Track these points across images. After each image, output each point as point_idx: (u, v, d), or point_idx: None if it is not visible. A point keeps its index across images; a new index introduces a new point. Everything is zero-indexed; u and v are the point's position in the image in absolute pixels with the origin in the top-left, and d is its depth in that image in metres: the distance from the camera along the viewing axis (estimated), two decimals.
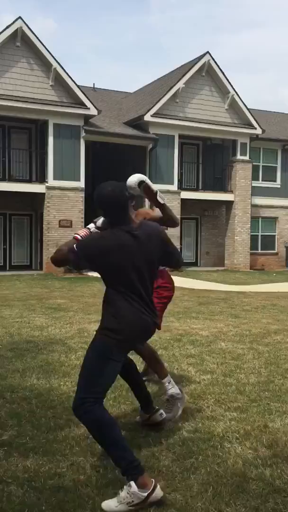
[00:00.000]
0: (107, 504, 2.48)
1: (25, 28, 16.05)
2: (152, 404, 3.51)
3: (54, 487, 2.67)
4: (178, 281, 14.39)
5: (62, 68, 16.62)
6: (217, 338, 6.58)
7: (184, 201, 19.14)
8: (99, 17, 77.05)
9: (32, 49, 16.41)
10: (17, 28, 15.97)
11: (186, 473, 2.83)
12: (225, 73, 19.40)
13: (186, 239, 20.98)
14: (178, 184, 19.19)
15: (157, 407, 3.51)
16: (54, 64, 16.43)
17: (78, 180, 17.20)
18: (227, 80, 19.45)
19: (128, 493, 2.47)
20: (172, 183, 18.82)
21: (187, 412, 3.78)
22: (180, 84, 18.48)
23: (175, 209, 18.82)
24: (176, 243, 18.97)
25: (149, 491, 2.45)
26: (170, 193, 18.73)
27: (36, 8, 72.76)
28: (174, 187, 18.89)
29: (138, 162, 18.74)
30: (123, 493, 2.49)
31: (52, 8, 73.78)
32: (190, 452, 3.09)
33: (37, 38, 16.29)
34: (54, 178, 16.95)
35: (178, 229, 19.07)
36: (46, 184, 16.93)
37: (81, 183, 17.22)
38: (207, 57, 18.96)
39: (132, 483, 2.48)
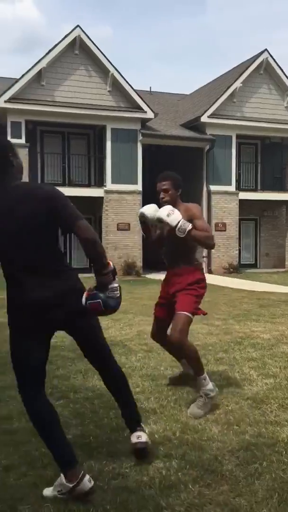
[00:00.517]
0: (47, 490, 2.66)
1: (83, 36, 16.42)
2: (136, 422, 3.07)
3: (118, 487, 2.69)
4: (237, 283, 14.23)
5: (119, 73, 16.85)
6: (279, 342, 6.42)
7: (242, 202, 18.85)
8: (154, 21, 77.48)
9: (90, 56, 16.76)
10: (76, 36, 16.36)
11: (250, 478, 2.78)
12: (284, 70, 18.97)
13: (244, 240, 20.63)
14: (236, 184, 18.93)
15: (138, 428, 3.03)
16: (112, 70, 16.69)
17: (136, 183, 17.36)
18: (287, 77, 18.99)
19: (59, 483, 2.63)
20: (230, 184, 18.59)
21: (249, 416, 3.71)
22: (238, 84, 18.24)
23: (233, 211, 18.60)
24: (235, 245, 18.74)
25: (74, 484, 2.56)
26: (228, 194, 18.52)
27: (93, 15, 74.28)
28: (232, 188, 18.65)
29: (195, 163, 18.67)
30: (56, 482, 2.65)
31: (108, 14, 75.01)
32: (254, 457, 3.03)
33: (95, 45, 16.62)
34: (112, 182, 17.20)
35: (236, 230, 18.83)
36: (105, 188, 17.21)
37: (139, 186, 17.36)
38: (265, 55, 18.60)
39: (61, 475, 2.62)
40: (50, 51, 16.23)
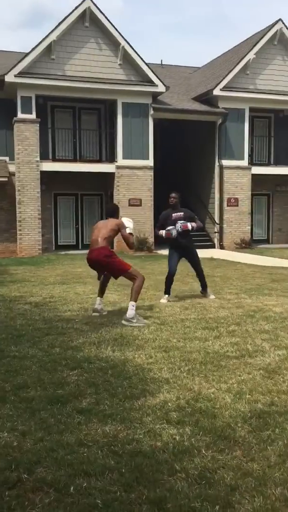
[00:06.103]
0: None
1: (93, 8, 16.10)
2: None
3: (132, 452, 2.75)
4: (249, 258, 14.18)
5: (130, 46, 16.55)
6: None
7: (255, 177, 18.63)
8: None
9: (100, 28, 16.45)
10: (85, 8, 16.05)
11: (262, 444, 2.82)
12: None
13: (257, 216, 20.44)
14: (248, 159, 18.68)
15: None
16: (123, 43, 16.40)
17: (147, 158, 17.21)
18: None
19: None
20: (242, 158, 18.35)
21: (262, 386, 3.75)
22: (251, 55, 17.82)
23: (245, 186, 18.43)
24: (247, 221, 18.61)
25: None
26: (241, 169, 18.31)
27: None
28: (244, 162, 18.41)
29: (207, 138, 18.44)
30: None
31: None
32: (267, 424, 3.07)
33: (105, 17, 16.30)
34: (124, 157, 17.08)
35: (249, 205, 18.67)
36: (116, 164, 17.10)
37: (150, 162, 17.21)
38: (279, 25, 18.09)
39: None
40: (59, 24, 15.96)
